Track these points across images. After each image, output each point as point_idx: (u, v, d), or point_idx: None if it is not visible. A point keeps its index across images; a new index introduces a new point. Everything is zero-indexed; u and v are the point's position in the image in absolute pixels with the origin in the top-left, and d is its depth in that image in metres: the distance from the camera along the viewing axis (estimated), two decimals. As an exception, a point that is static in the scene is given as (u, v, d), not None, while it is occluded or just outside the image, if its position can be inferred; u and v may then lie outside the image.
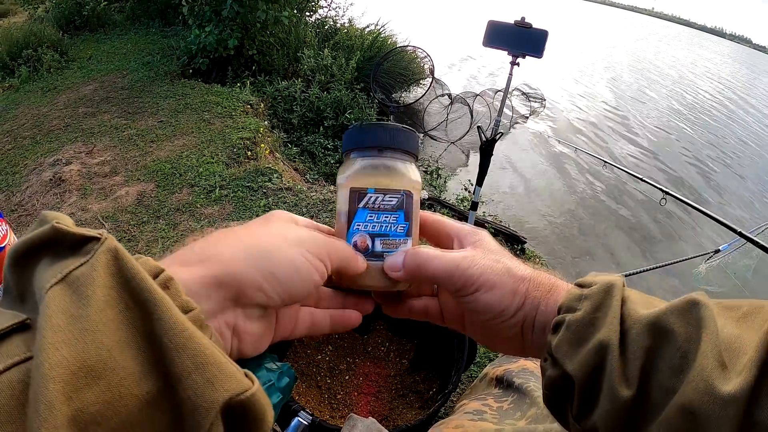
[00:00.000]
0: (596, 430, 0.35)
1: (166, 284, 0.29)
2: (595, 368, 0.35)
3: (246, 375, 0.29)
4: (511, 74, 2.36)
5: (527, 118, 7.57)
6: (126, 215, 3.11)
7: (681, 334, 0.33)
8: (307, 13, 6.73)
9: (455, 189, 4.83)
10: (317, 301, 0.46)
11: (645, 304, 0.37)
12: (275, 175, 3.59)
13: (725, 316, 0.34)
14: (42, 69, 5.55)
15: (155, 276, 0.29)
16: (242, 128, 4.27)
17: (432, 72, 6.26)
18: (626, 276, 2.49)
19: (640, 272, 2.78)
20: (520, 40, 2.22)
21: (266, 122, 4.77)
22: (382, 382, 1.39)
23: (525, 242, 3.64)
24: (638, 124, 8.91)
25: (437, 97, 6.28)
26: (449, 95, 6.25)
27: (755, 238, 2.34)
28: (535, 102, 8.07)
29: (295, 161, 4.43)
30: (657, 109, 10.48)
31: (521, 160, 6.19)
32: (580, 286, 0.41)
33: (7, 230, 0.80)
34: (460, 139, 5.89)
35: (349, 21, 7.15)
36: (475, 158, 5.58)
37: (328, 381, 1.37)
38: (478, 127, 2.42)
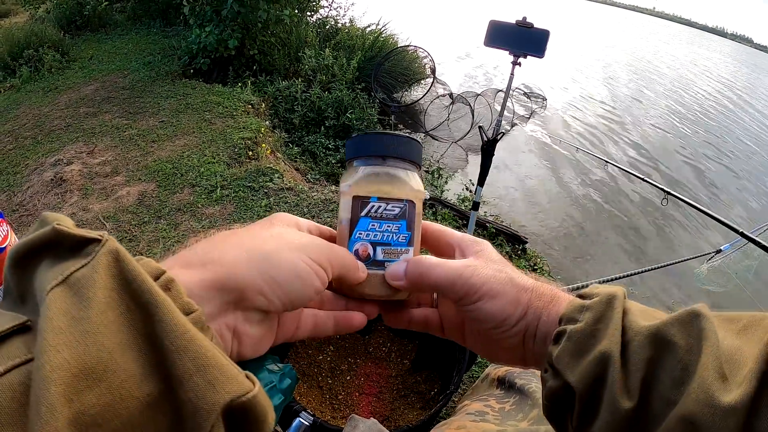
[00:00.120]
0: None
1: (168, 286, 0.29)
2: (596, 379, 0.35)
3: (247, 377, 0.29)
4: (512, 74, 2.35)
5: (528, 118, 7.56)
6: (127, 215, 3.12)
7: (682, 345, 0.33)
8: (308, 13, 6.73)
9: (456, 189, 4.82)
10: (321, 303, 0.46)
11: (646, 316, 0.37)
12: (276, 175, 3.59)
13: (725, 328, 0.34)
14: (43, 69, 5.56)
15: (156, 277, 0.29)
16: (243, 128, 4.28)
17: (433, 72, 6.28)
18: (628, 276, 2.50)
19: (641, 272, 2.78)
20: (522, 39, 2.22)
21: (267, 122, 4.77)
22: (384, 383, 1.39)
23: (526, 242, 3.64)
24: (638, 123, 8.90)
25: (438, 96, 6.29)
26: (450, 95, 6.25)
27: (757, 239, 2.33)
28: (536, 102, 8.07)
29: (296, 161, 4.43)
30: (657, 109, 10.46)
31: (522, 160, 6.18)
32: (582, 297, 0.41)
33: (8, 231, 0.79)
34: (461, 138, 5.89)
35: (350, 21, 7.16)
36: (476, 158, 5.58)
37: (330, 381, 1.37)
38: (480, 126, 2.42)
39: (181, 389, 0.26)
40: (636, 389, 0.33)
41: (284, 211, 0.46)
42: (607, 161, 3.79)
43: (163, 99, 4.82)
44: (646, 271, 2.77)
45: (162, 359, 0.26)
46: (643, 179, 3.13)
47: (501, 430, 0.76)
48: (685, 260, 3.00)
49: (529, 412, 0.79)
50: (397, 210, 0.45)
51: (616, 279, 2.46)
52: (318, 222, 0.48)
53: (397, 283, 0.44)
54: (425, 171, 5.01)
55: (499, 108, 2.61)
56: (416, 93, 6.69)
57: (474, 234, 3.22)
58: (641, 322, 0.36)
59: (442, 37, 12.93)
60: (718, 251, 2.89)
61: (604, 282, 2.31)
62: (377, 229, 0.45)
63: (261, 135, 4.24)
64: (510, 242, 3.60)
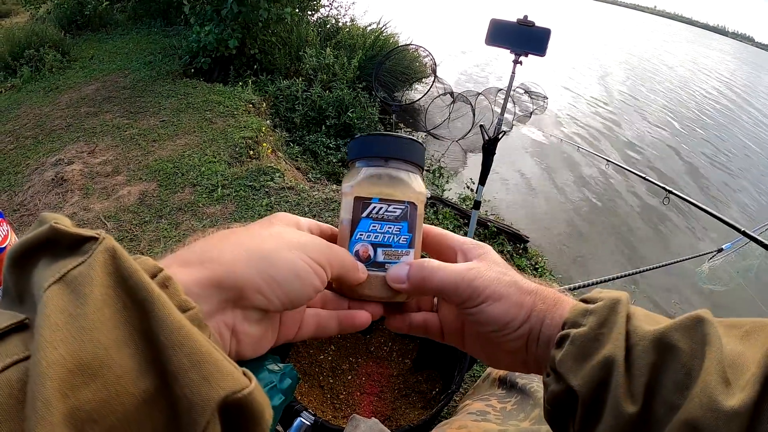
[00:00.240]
0: None
1: (165, 283, 0.29)
2: (600, 384, 0.35)
3: (244, 374, 0.29)
4: (513, 73, 2.35)
5: (530, 116, 7.56)
6: (128, 215, 3.12)
7: (686, 350, 0.33)
8: (309, 12, 6.73)
9: (458, 188, 4.82)
10: (323, 303, 0.45)
11: (649, 321, 0.37)
12: (277, 175, 3.59)
13: (728, 333, 0.35)
14: (44, 69, 5.57)
15: (153, 275, 0.29)
16: (244, 127, 4.28)
17: (434, 71, 6.27)
18: (629, 275, 2.49)
19: (643, 271, 2.77)
20: (523, 38, 2.21)
21: (268, 121, 4.78)
22: (385, 382, 1.39)
23: (527, 241, 3.64)
24: (639, 123, 8.90)
25: (439, 95, 6.28)
26: (451, 94, 6.24)
27: (759, 237, 2.33)
28: (538, 101, 8.05)
29: (297, 160, 4.43)
30: (656, 108, 10.45)
31: (524, 159, 6.18)
32: (585, 301, 0.41)
33: (8, 231, 0.79)
34: (462, 137, 5.89)
35: (351, 20, 7.17)
36: (477, 157, 5.58)
37: (331, 381, 1.36)
38: (481, 125, 2.41)
39: (176, 385, 0.26)
40: (640, 394, 0.33)
41: (285, 211, 0.46)
42: (608, 160, 3.78)
43: (164, 98, 4.83)
44: (647, 270, 2.77)
45: (157, 355, 0.26)
46: (644, 178, 3.12)
47: (502, 429, 0.75)
48: (686, 259, 2.99)
49: (530, 412, 0.79)
50: (398, 211, 0.45)
51: (616, 278, 2.45)
52: (319, 221, 0.48)
53: (399, 286, 0.44)
54: (426, 170, 5.01)
55: (500, 107, 2.61)
56: (417, 92, 6.69)
57: (475, 233, 3.22)
58: (645, 327, 0.36)
59: (443, 36, 12.93)
60: (720, 250, 2.88)
61: (604, 281, 2.31)
62: (378, 230, 0.45)
63: (262, 134, 4.24)
64: (511, 241, 3.60)
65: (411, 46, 6.46)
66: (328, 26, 6.88)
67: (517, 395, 0.86)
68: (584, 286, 2.22)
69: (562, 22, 26.49)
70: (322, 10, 7.00)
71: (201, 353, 0.26)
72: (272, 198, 3.32)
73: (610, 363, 0.34)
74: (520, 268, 3.15)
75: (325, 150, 4.69)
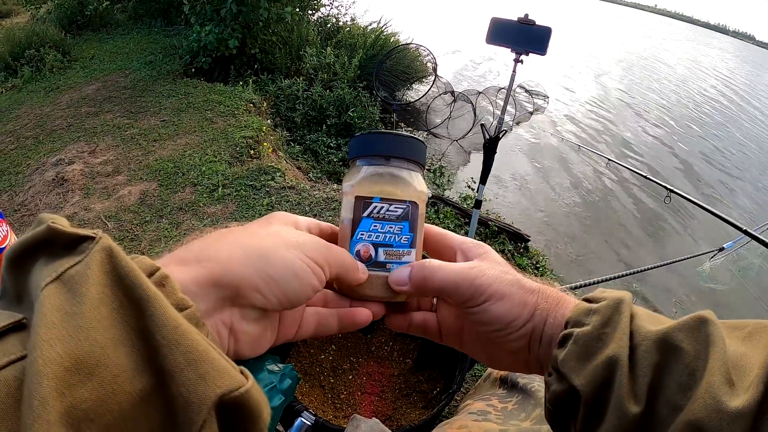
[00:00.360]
0: None
1: (162, 282, 0.29)
2: (604, 383, 0.34)
3: (242, 372, 0.29)
4: (514, 72, 2.35)
5: (530, 115, 7.56)
6: (129, 215, 3.12)
7: (689, 351, 0.33)
8: (309, 12, 6.72)
9: (459, 187, 4.82)
10: (324, 303, 0.45)
11: (653, 321, 0.37)
12: (278, 174, 3.59)
13: (731, 335, 0.34)
14: (45, 69, 5.57)
15: (150, 274, 0.29)
16: (245, 127, 4.28)
17: (435, 70, 6.27)
18: (630, 274, 2.49)
19: (644, 270, 2.77)
20: (524, 37, 2.21)
21: (269, 121, 4.78)
22: (386, 382, 1.39)
23: (528, 240, 3.64)
24: (638, 122, 8.89)
25: (440, 94, 6.28)
26: (452, 93, 6.24)
27: (760, 236, 2.32)
28: (539, 99, 8.05)
29: (298, 160, 4.43)
30: (654, 107, 10.44)
31: (524, 158, 6.18)
32: (588, 301, 0.41)
33: (7, 231, 0.79)
34: (463, 137, 5.89)
35: (352, 19, 7.16)
36: (478, 156, 5.57)
37: (332, 381, 1.36)
38: (482, 124, 2.41)
39: (172, 383, 0.26)
40: (643, 394, 0.33)
41: (286, 210, 0.46)
42: (609, 159, 3.79)
43: (164, 98, 4.83)
44: (648, 269, 2.77)
45: (154, 354, 0.26)
46: (646, 177, 3.12)
47: (503, 429, 0.75)
48: (687, 258, 2.99)
49: (531, 412, 0.79)
50: (399, 211, 0.45)
51: (617, 277, 2.45)
52: (320, 221, 0.48)
53: (401, 288, 0.44)
54: (427, 169, 5.01)
55: (501, 106, 2.61)
56: (418, 91, 6.68)
57: (476, 232, 3.21)
58: (648, 327, 0.36)
59: (444, 35, 12.92)
60: (721, 249, 2.87)
61: (605, 281, 2.31)
62: (379, 230, 0.44)
63: (262, 134, 4.24)
64: (512, 240, 3.60)
65: (411, 46, 6.46)
66: (329, 25, 6.88)
67: (518, 395, 0.86)
68: (585, 286, 2.22)
69: (563, 21, 26.46)
70: (322, 9, 6.99)
71: (197, 351, 0.26)
72: (273, 197, 3.32)
73: (613, 363, 0.34)
74: (521, 267, 3.14)
75: (325, 149, 4.69)
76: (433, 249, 0.51)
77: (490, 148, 2.35)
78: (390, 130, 0.47)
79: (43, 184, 3.40)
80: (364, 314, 0.45)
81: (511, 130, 6.71)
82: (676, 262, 2.93)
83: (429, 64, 6.47)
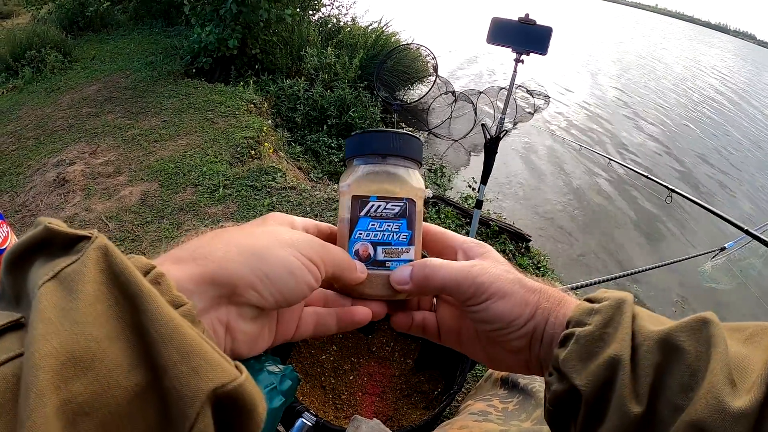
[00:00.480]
0: None
1: (157, 280, 0.29)
2: (605, 383, 0.34)
3: (236, 366, 0.29)
4: (515, 71, 2.34)
5: (531, 115, 7.55)
6: (130, 215, 3.12)
7: (691, 352, 0.33)
8: (310, 12, 6.73)
9: (459, 187, 4.81)
10: (325, 303, 0.45)
11: (654, 321, 0.37)
12: (279, 174, 3.59)
13: (731, 337, 0.34)
14: (45, 70, 5.58)
15: (146, 272, 0.29)
16: (246, 127, 4.28)
17: (435, 69, 6.27)
18: (632, 274, 2.49)
19: (645, 270, 2.76)
20: (525, 37, 2.21)
21: (270, 121, 4.78)
22: (387, 382, 1.39)
23: (530, 240, 3.63)
24: (643, 121, 8.89)
25: (441, 94, 6.28)
26: (453, 93, 6.24)
27: (762, 236, 2.32)
28: (539, 99, 8.05)
29: (298, 160, 4.43)
30: (660, 107, 10.43)
31: (525, 158, 6.18)
32: (590, 301, 0.41)
33: (8, 232, 0.79)
34: (464, 137, 5.89)
35: (352, 19, 7.16)
36: (479, 156, 5.57)
37: (333, 381, 1.36)
38: (483, 124, 2.41)
39: (165, 377, 0.26)
40: (645, 394, 0.33)
41: (287, 210, 0.46)
42: (610, 159, 3.78)
43: (165, 99, 4.83)
44: (649, 269, 2.76)
45: (148, 349, 0.26)
46: (647, 177, 3.12)
47: (504, 429, 0.75)
48: (688, 258, 2.99)
49: (532, 412, 0.79)
50: (397, 209, 0.44)
51: (618, 277, 2.45)
52: (320, 221, 0.48)
53: (402, 287, 0.44)
54: (428, 169, 5.01)
55: (501, 106, 2.61)
56: (419, 91, 6.68)
57: (477, 232, 3.21)
58: (650, 327, 0.36)
59: (445, 35, 12.93)
60: (722, 249, 2.87)
61: (606, 280, 2.31)
62: (377, 228, 0.44)
63: (263, 134, 4.24)
64: (513, 240, 3.59)
65: (412, 46, 6.46)
66: (330, 26, 6.88)
67: (519, 395, 0.86)
68: (586, 286, 2.22)
69: (565, 21, 26.45)
70: (323, 9, 6.99)
71: (190, 345, 0.27)
72: (274, 198, 3.32)
73: (615, 362, 0.34)
74: (522, 267, 3.13)
75: (326, 150, 4.69)
76: (434, 248, 0.51)
77: (491, 148, 2.35)
78: (385, 128, 0.47)
79: (44, 185, 3.40)
80: (362, 313, 0.44)
81: (512, 130, 6.71)
82: (676, 262, 2.93)
83: (429, 65, 6.47)
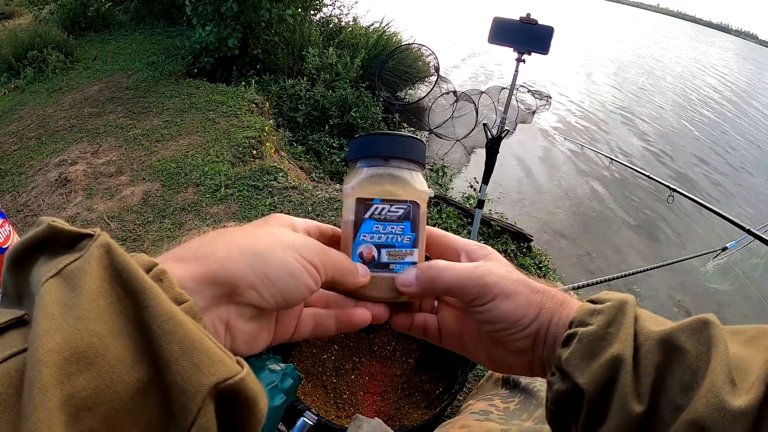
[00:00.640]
0: None
1: (160, 277, 0.30)
2: (608, 382, 0.35)
3: (237, 362, 0.29)
4: (516, 71, 2.34)
5: (533, 115, 7.54)
6: (132, 215, 3.12)
7: (692, 352, 0.34)
8: (312, 12, 6.73)
9: (461, 187, 4.81)
10: (326, 304, 0.45)
11: (656, 322, 0.37)
12: (281, 174, 3.59)
13: (732, 339, 0.35)
14: (47, 70, 5.58)
15: (148, 270, 0.29)
16: (247, 127, 4.28)
17: (437, 69, 6.27)
18: (633, 274, 2.48)
19: (647, 270, 2.76)
20: (526, 36, 2.21)
21: (271, 121, 4.78)
22: (388, 382, 1.39)
23: (531, 240, 3.63)
24: (641, 121, 8.88)
25: (442, 94, 6.27)
26: (454, 93, 6.23)
27: (764, 236, 2.31)
28: (541, 99, 8.04)
29: (300, 160, 4.43)
30: (658, 107, 10.42)
31: (527, 157, 6.17)
32: (592, 302, 0.41)
33: (9, 231, 0.79)
34: (465, 136, 5.88)
35: (354, 19, 7.17)
36: (480, 156, 5.57)
37: (334, 380, 1.36)
38: (484, 124, 2.41)
39: (168, 372, 0.26)
40: (646, 393, 0.33)
41: (288, 210, 0.46)
42: (612, 158, 3.78)
43: (167, 99, 4.84)
44: (650, 269, 2.76)
45: (150, 344, 0.26)
46: (649, 176, 3.11)
47: (505, 429, 0.75)
48: (690, 258, 2.98)
49: (533, 412, 0.79)
50: (401, 211, 0.45)
51: (619, 277, 2.44)
52: (322, 221, 0.48)
53: (408, 289, 0.44)
54: (430, 169, 5.01)
55: (503, 106, 2.60)
56: (420, 91, 6.68)
57: (479, 232, 3.21)
58: (652, 328, 0.36)
59: (446, 34, 12.92)
60: (724, 249, 2.86)
61: (607, 280, 2.31)
62: (381, 231, 0.44)
63: (265, 134, 4.24)
64: (515, 240, 3.59)
65: (414, 45, 6.46)
66: (331, 26, 6.88)
67: (520, 395, 0.86)
68: (587, 286, 2.21)
69: (567, 20, 26.42)
70: (324, 9, 7.00)
71: (192, 341, 0.27)
72: (275, 198, 3.32)
73: (618, 362, 0.34)
74: (524, 267, 3.12)
75: (328, 149, 4.69)
76: (436, 251, 0.51)
77: (492, 147, 2.35)
78: (389, 131, 0.47)
79: (46, 185, 3.41)
80: (361, 315, 0.44)
81: (514, 130, 6.70)
82: (677, 261, 2.92)
83: (431, 64, 6.47)
